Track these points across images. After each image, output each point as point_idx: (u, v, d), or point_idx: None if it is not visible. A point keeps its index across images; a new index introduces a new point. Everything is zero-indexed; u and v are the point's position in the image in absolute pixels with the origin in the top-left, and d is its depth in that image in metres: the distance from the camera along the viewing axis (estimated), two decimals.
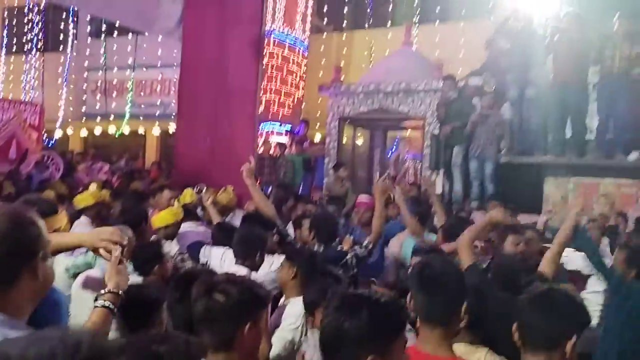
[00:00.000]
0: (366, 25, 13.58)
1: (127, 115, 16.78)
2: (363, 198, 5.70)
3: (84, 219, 4.86)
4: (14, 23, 19.44)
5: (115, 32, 16.90)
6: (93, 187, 5.71)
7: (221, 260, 3.76)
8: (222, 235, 4.13)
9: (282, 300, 3.18)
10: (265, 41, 10.84)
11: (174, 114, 12.95)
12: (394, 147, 11.40)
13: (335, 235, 4.22)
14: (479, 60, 8.90)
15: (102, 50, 17.02)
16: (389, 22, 13.19)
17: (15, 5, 19.09)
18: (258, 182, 9.80)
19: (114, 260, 1.99)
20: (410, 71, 9.77)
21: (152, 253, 3.06)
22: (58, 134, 17.22)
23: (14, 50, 19.44)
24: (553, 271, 3.10)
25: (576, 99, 7.36)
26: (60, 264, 3.55)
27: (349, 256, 3.84)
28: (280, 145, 10.91)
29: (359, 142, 11.51)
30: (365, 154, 11.52)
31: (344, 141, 10.48)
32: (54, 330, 0.74)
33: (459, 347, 2.35)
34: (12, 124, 11.56)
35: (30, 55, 18.46)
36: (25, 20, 18.46)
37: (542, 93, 7.68)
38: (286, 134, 11.55)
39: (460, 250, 3.17)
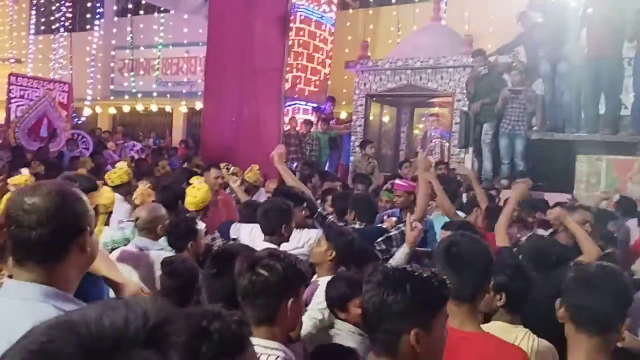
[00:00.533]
0: (393, 1, 13.36)
1: (154, 94, 16.91)
2: (399, 181, 5.59)
3: (117, 195, 4.93)
4: (42, 3, 19.64)
5: (142, 11, 16.97)
6: (122, 164, 5.77)
7: (250, 235, 3.79)
8: (248, 213, 4.18)
9: (314, 277, 3.18)
10: (292, 17, 10.77)
11: (200, 91, 13.01)
12: (422, 124, 11.28)
13: (375, 214, 4.20)
14: (510, 35, 8.69)
15: (129, 29, 17.11)
16: None
17: None
18: (285, 161, 9.85)
19: None
20: (439, 46, 9.60)
21: (187, 229, 3.10)
22: (87, 112, 17.46)
23: (42, 30, 19.68)
24: None
25: (610, 74, 7.16)
26: (100, 239, 3.63)
27: (393, 232, 3.81)
28: (307, 123, 10.88)
29: (386, 119, 11.41)
30: (392, 131, 11.43)
31: (370, 118, 10.41)
32: (114, 300, 0.75)
33: (496, 325, 2.34)
34: (43, 103, 11.74)
35: (58, 35, 18.66)
36: (53, 0, 18.62)
37: (575, 68, 7.48)
38: (312, 112, 11.50)
39: (496, 234, 3.42)
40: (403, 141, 11.34)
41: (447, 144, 9.64)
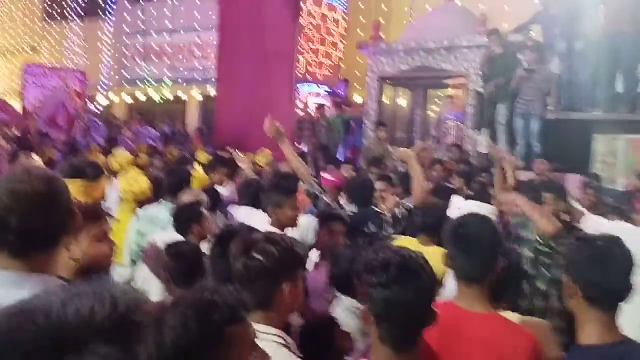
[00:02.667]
0: None
1: (168, 81, 16.92)
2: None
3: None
4: None
5: None
6: (122, 151, 5.80)
7: (247, 219, 3.77)
8: (248, 192, 4.14)
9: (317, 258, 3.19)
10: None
11: (214, 78, 12.99)
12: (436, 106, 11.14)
13: (370, 198, 4.12)
14: (526, 13, 8.52)
15: (140, 14, 17.08)
16: None
17: None
18: (297, 145, 9.82)
19: None
20: (453, 27, 9.43)
21: (189, 213, 3.10)
22: (101, 100, 17.56)
23: (55, 17, 19.78)
24: None
25: (628, 51, 6.99)
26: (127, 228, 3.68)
27: (387, 215, 3.76)
28: (320, 106, 10.81)
29: (400, 101, 11.30)
30: (406, 114, 11.32)
31: (384, 101, 10.30)
32: (86, 286, 0.71)
33: None
34: (59, 92, 11.83)
35: (71, 23, 18.73)
36: None
37: (592, 45, 7.31)
38: (325, 95, 11.43)
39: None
40: (417, 124, 11.23)
41: (461, 125, 9.52)
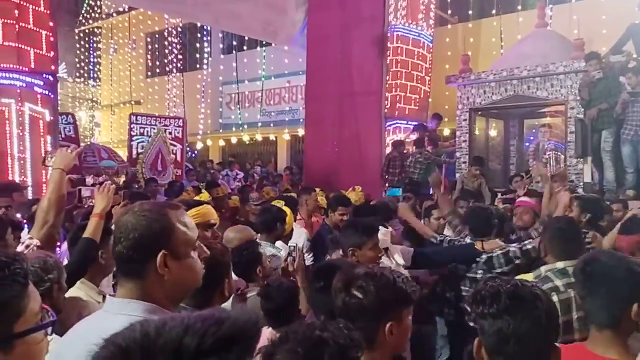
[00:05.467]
0: (494, 12, 12.88)
1: (259, 124, 17.54)
2: (524, 198, 5.26)
3: None
4: (156, 48, 21.26)
5: (245, 46, 17.80)
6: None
7: None
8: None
9: None
10: (389, 38, 10.71)
11: (302, 119, 13.29)
12: (533, 136, 10.64)
13: (491, 228, 3.83)
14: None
15: (234, 65, 17.95)
16: (519, 6, 12.39)
17: (156, 30, 20.87)
18: (386, 183, 9.69)
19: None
20: (547, 53, 9.05)
21: (251, 256, 2.83)
22: (198, 145, 18.49)
23: (157, 72, 21.28)
24: None
25: None
26: None
27: (495, 254, 3.51)
28: (398, 144, 10.60)
29: (493, 133, 10.92)
30: (500, 145, 10.92)
31: (475, 133, 10.00)
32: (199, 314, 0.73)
33: None
34: (158, 140, 12.58)
35: (171, 76, 20.04)
36: (166, 43, 20.07)
37: None
38: (414, 130, 11.24)
39: None
40: (513, 154, 10.78)
41: (562, 155, 9.01)
